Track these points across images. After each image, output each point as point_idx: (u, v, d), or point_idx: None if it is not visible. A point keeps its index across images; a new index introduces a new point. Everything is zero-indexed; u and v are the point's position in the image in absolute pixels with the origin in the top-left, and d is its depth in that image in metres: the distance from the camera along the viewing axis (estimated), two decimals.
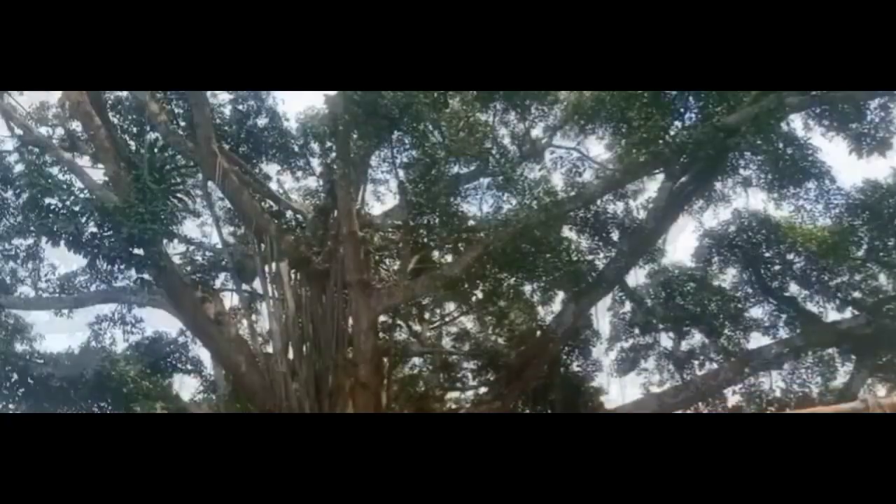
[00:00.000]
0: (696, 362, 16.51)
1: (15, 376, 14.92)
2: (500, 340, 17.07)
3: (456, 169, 13.64)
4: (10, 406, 15.04)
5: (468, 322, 17.39)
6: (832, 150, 13.64)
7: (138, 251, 12.78)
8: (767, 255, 15.28)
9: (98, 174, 13.02)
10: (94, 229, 12.85)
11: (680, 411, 16.64)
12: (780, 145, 12.85)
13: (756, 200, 15.34)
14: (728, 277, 16.15)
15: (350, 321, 14.78)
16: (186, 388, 17.39)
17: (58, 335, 20.05)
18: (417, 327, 16.57)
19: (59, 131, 13.71)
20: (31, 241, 13.22)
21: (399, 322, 16.30)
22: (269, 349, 15.36)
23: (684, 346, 16.46)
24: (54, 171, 12.64)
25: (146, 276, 13.50)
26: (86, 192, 12.68)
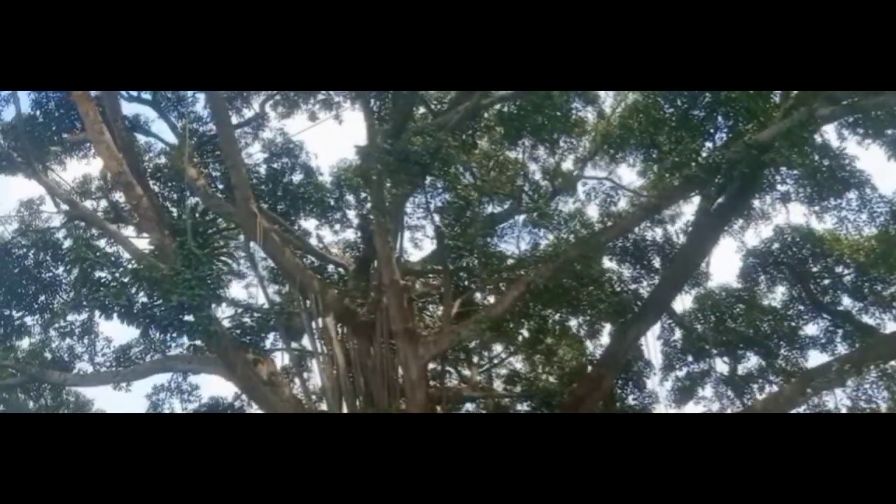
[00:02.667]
0: (755, 386, 16.11)
1: None
2: (552, 379, 16.88)
3: (490, 209, 13.74)
4: None
5: (517, 363, 17.27)
6: (869, 158, 13.46)
7: (188, 318, 13.06)
8: (815, 269, 15.00)
9: (143, 243, 13.43)
10: (145, 299, 13.19)
11: None
12: (816, 157, 12.69)
13: (797, 215, 15.19)
14: (777, 296, 15.85)
15: (400, 371, 14.82)
16: None
17: (118, 409, 20.46)
18: (467, 372, 16.49)
19: (103, 203, 14.21)
20: (84, 316, 13.60)
21: (448, 369, 16.26)
22: (324, 406, 15.45)
23: (741, 370, 16.09)
24: (101, 243, 13.05)
25: (198, 342, 13.76)
26: (133, 262, 13.07)
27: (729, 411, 16.37)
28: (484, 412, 17.58)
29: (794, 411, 16.33)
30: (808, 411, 16.22)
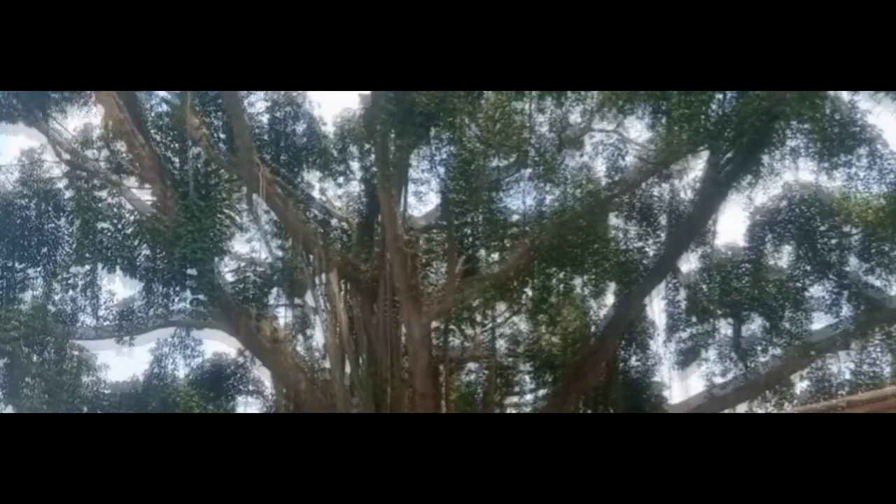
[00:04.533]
0: (759, 348, 16.02)
1: (85, 409, 15.27)
2: (555, 339, 16.82)
3: (495, 163, 13.62)
4: None
5: (521, 323, 17.19)
6: (882, 113, 13.23)
7: (191, 272, 13.02)
8: (822, 228, 14.83)
9: (145, 195, 13.34)
10: (147, 252, 13.16)
11: (745, 401, 16.18)
12: (827, 111, 12.53)
13: (806, 173, 14.98)
14: (784, 256, 15.67)
15: (403, 330, 14.78)
16: (250, 409, 17.54)
17: (121, 364, 20.50)
18: (470, 331, 16.44)
19: (105, 154, 14.10)
20: (87, 268, 13.51)
21: (452, 327, 16.21)
22: (327, 364, 15.44)
23: (745, 331, 15.98)
24: (103, 194, 12.98)
25: (201, 296, 13.72)
26: (135, 213, 13.01)
27: (731, 374, 16.32)
28: (487, 374, 17.60)
29: (796, 375, 16.36)
30: (810, 376, 16.19)
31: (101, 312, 14.62)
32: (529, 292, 15.35)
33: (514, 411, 18.10)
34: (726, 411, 15.89)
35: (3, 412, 14.66)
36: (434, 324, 15.01)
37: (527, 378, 17.66)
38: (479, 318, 16.15)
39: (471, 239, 14.18)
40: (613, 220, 14.90)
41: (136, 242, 12.89)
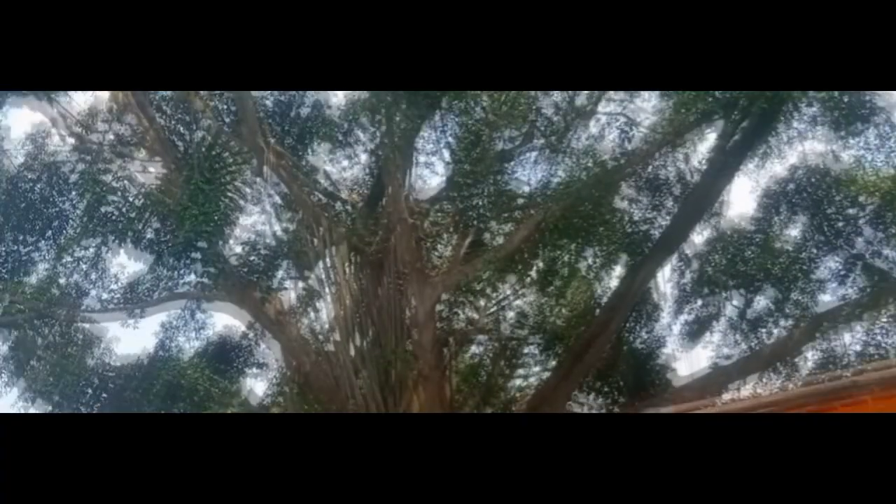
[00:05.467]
0: (765, 328, 15.99)
1: (90, 391, 15.32)
2: (563, 313, 16.80)
3: (501, 145, 13.50)
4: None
5: (528, 298, 17.16)
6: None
7: (196, 254, 12.98)
8: (830, 210, 14.75)
9: (153, 169, 13.28)
10: (155, 227, 13.12)
11: (751, 380, 16.15)
12: (835, 93, 12.37)
13: (814, 154, 14.87)
14: (791, 236, 15.61)
15: (408, 312, 14.73)
16: (257, 388, 17.64)
17: (127, 342, 20.53)
18: (474, 315, 16.43)
19: (109, 136, 14.05)
20: (92, 251, 13.51)
21: (457, 309, 16.19)
22: (335, 338, 15.42)
23: (751, 311, 15.95)
24: (110, 169, 12.91)
25: (210, 270, 13.72)
26: (143, 188, 12.95)
27: (737, 353, 16.30)
28: (493, 354, 17.56)
29: (801, 355, 16.30)
30: (816, 355, 16.14)
31: (110, 287, 14.62)
32: (538, 265, 15.30)
33: (518, 393, 18.13)
34: (735, 383, 15.90)
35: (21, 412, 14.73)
36: (442, 297, 14.99)
37: (534, 352, 17.66)
38: (486, 292, 16.12)
39: (479, 212, 14.08)
40: (623, 192, 14.80)
41: (143, 217, 12.84)
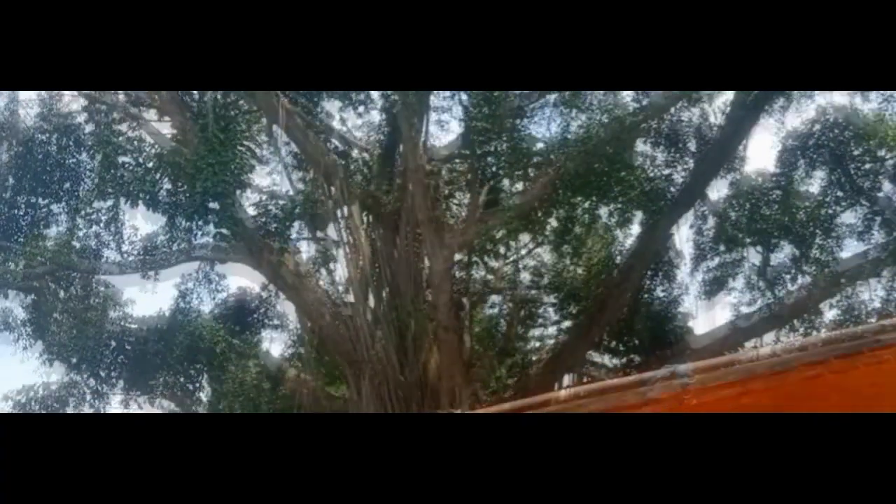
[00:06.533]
0: (788, 276, 15.80)
1: (113, 343, 15.45)
2: (579, 270, 16.70)
3: (517, 101, 13.24)
4: (113, 374, 15.57)
5: (545, 255, 17.05)
6: None
7: (213, 205, 12.94)
8: (857, 153, 14.43)
9: (165, 128, 13.20)
10: (169, 186, 13.08)
11: (773, 331, 16.04)
12: None
13: (833, 107, 14.54)
14: (815, 181, 15.32)
15: (426, 263, 14.69)
16: (274, 350, 17.73)
17: (145, 305, 20.69)
18: (494, 263, 16.33)
19: (121, 96, 13.94)
20: (109, 203, 13.48)
21: (472, 268, 16.11)
22: (350, 298, 15.41)
23: (774, 260, 15.74)
24: (123, 128, 12.85)
25: (224, 230, 13.69)
26: (156, 147, 12.88)
27: (759, 304, 16.15)
28: (511, 306, 17.55)
29: (826, 303, 16.15)
30: (840, 304, 15.97)
31: (125, 247, 14.66)
32: (554, 222, 15.16)
33: (537, 343, 18.12)
34: (752, 341, 15.80)
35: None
36: (457, 256, 14.93)
37: (550, 310, 17.61)
38: (502, 249, 16.03)
39: (494, 168, 13.92)
40: (640, 146, 14.59)
41: (157, 176, 12.79)
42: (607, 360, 17.65)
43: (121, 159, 12.69)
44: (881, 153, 14.30)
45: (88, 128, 13.70)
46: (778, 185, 14.95)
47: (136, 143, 12.71)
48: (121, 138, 12.82)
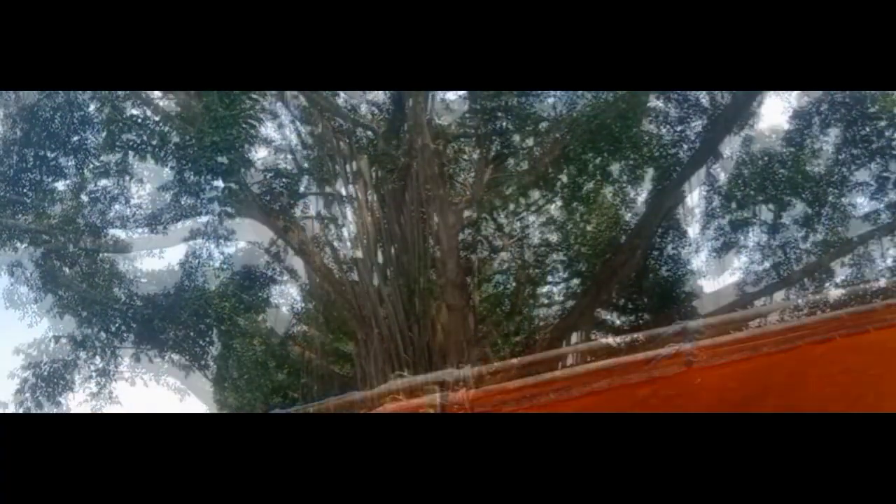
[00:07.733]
0: (795, 249, 15.71)
1: (122, 297, 15.51)
2: (589, 228, 16.62)
3: None
4: (122, 329, 15.65)
5: (555, 211, 16.95)
6: None
7: (222, 159, 12.85)
8: (872, 110, 14.21)
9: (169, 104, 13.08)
10: (177, 140, 12.98)
11: (783, 290, 15.98)
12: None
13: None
14: (829, 140, 15.12)
15: (431, 241, 14.59)
16: (284, 300, 17.77)
17: (153, 272, 20.76)
18: (504, 220, 16.23)
19: None
20: (118, 156, 13.37)
21: (484, 216, 16.02)
22: (359, 254, 15.40)
23: (786, 218, 15.62)
24: (127, 104, 12.74)
25: (232, 185, 13.62)
26: (163, 100, 12.77)
27: (770, 262, 16.08)
28: (515, 281, 17.44)
29: (837, 261, 16.05)
30: (853, 262, 15.87)
31: (134, 201, 14.65)
32: (564, 179, 15.03)
33: (546, 302, 18.09)
34: (762, 300, 15.76)
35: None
36: (466, 213, 14.84)
37: (560, 268, 17.56)
38: (511, 206, 15.93)
39: (504, 123, 13.77)
40: (653, 102, 14.39)
41: (165, 129, 12.70)
42: (616, 317, 17.65)
43: (125, 136, 12.56)
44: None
45: (92, 105, 13.55)
46: (791, 143, 14.78)
47: (139, 119, 12.54)
48: (125, 115, 12.67)
